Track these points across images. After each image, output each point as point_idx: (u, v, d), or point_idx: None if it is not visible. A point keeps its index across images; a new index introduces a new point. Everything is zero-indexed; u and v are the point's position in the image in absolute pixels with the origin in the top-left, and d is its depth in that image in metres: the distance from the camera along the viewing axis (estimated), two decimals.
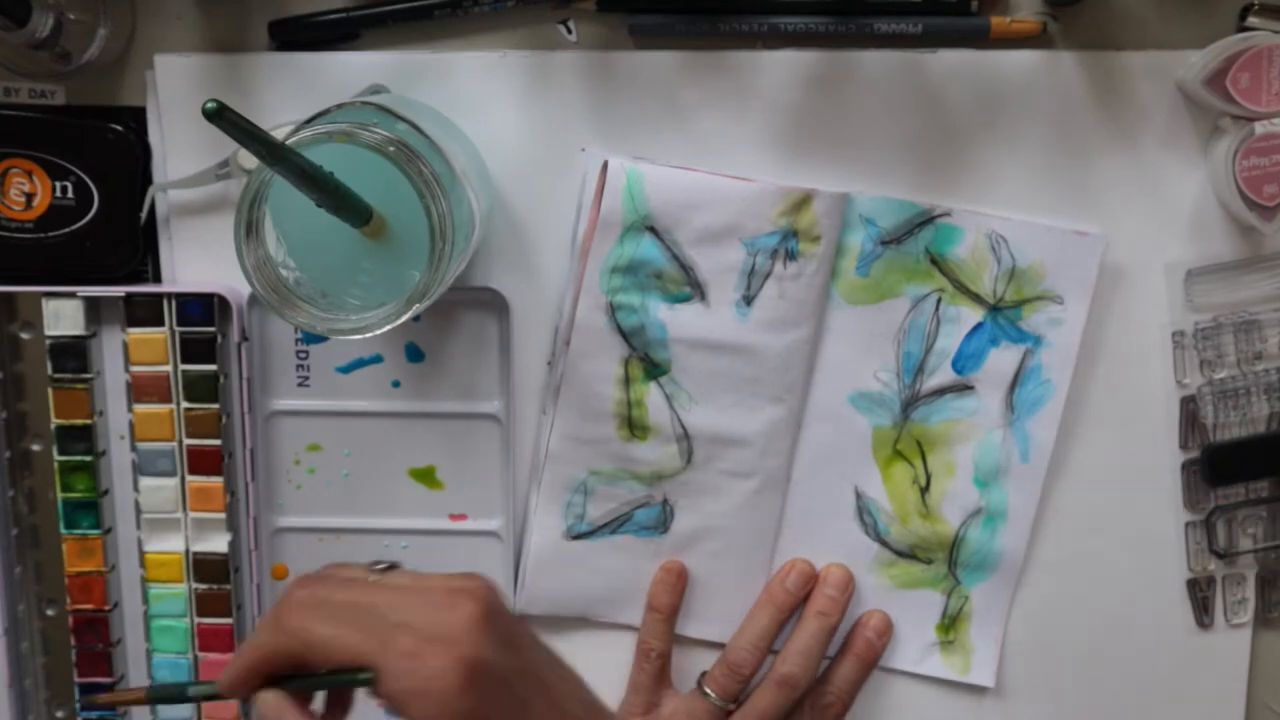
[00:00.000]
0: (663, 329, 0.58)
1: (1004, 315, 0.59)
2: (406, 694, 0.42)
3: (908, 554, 0.61)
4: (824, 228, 0.57)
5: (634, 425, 0.59)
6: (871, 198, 0.58)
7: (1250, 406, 0.60)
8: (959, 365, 0.60)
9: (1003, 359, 0.59)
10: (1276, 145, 0.56)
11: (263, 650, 0.45)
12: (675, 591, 0.60)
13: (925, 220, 0.58)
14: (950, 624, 0.62)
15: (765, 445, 0.59)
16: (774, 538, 0.61)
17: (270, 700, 0.45)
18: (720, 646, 0.62)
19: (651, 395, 0.59)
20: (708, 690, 0.60)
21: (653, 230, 0.57)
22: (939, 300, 0.59)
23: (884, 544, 0.61)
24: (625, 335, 0.59)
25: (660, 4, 0.57)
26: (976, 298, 0.59)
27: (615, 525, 0.61)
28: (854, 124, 0.58)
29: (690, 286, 0.58)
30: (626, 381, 0.59)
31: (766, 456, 0.60)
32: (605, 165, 0.57)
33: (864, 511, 0.61)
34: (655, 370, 0.59)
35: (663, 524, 0.61)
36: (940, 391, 0.60)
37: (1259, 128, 0.56)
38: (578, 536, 0.61)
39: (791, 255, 0.57)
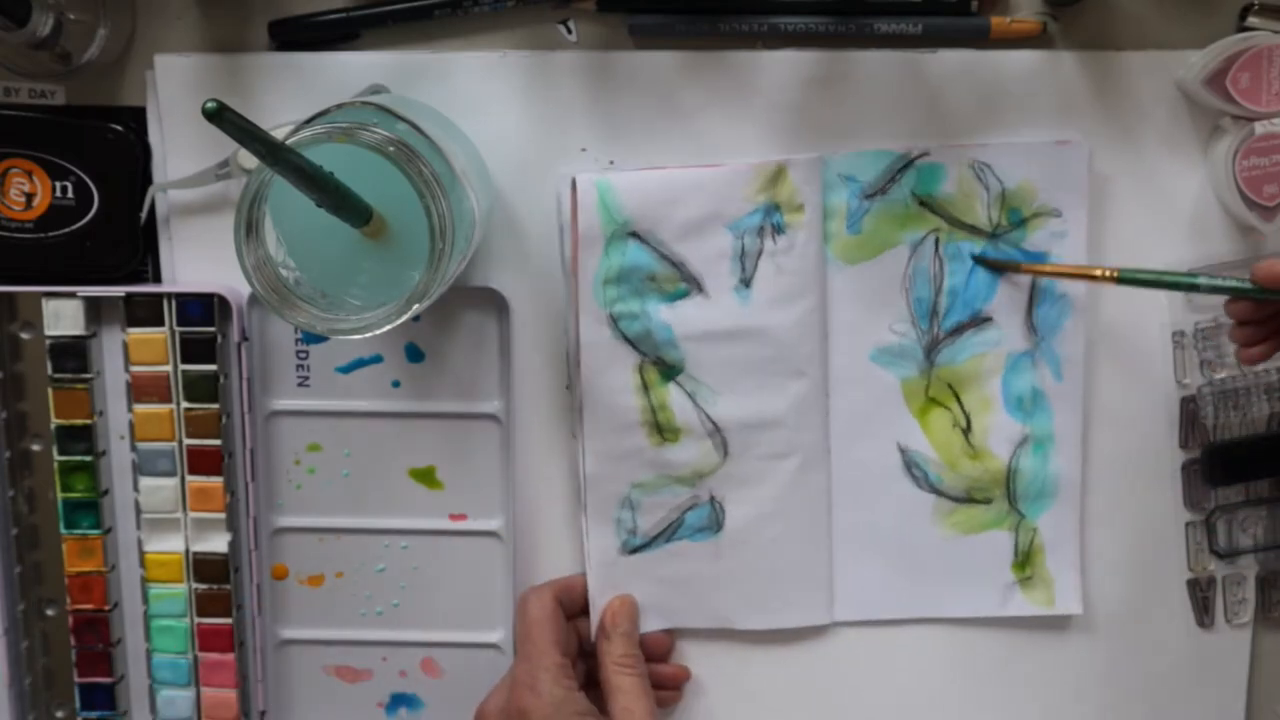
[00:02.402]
0: (668, 329, 0.58)
1: (1006, 240, 0.58)
2: None
3: (965, 498, 0.60)
4: (805, 195, 0.57)
5: (663, 429, 0.59)
6: (845, 155, 0.58)
7: (1250, 406, 0.60)
8: (971, 299, 0.59)
9: (1014, 284, 0.59)
10: (1276, 145, 0.56)
11: None
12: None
13: (905, 164, 0.58)
14: (1025, 560, 0.61)
15: (797, 421, 0.59)
16: (827, 511, 0.60)
17: None
18: (792, 635, 0.61)
19: (673, 396, 0.59)
20: None
21: (635, 235, 0.57)
22: (937, 240, 0.59)
23: (939, 493, 0.60)
24: (632, 343, 0.58)
25: (660, 4, 0.57)
26: (973, 229, 0.58)
27: (669, 533, 0.60)
28: (854, 124, 0.58)
29: (685, 282, 0.58)
30: (645, 388, 0.59)
31: (801, 431, 0.59)
32: (574, 183, 0.57)
33: (912, 465, 0.60)
34: (671, 371, 0.59)
35: (715, 523, 0.60)
36: (959, 329, 0.59)
37: (1259, 128, 0.56)
38: (634, 551, 0.60)
39: (779, 229, 0.57)
